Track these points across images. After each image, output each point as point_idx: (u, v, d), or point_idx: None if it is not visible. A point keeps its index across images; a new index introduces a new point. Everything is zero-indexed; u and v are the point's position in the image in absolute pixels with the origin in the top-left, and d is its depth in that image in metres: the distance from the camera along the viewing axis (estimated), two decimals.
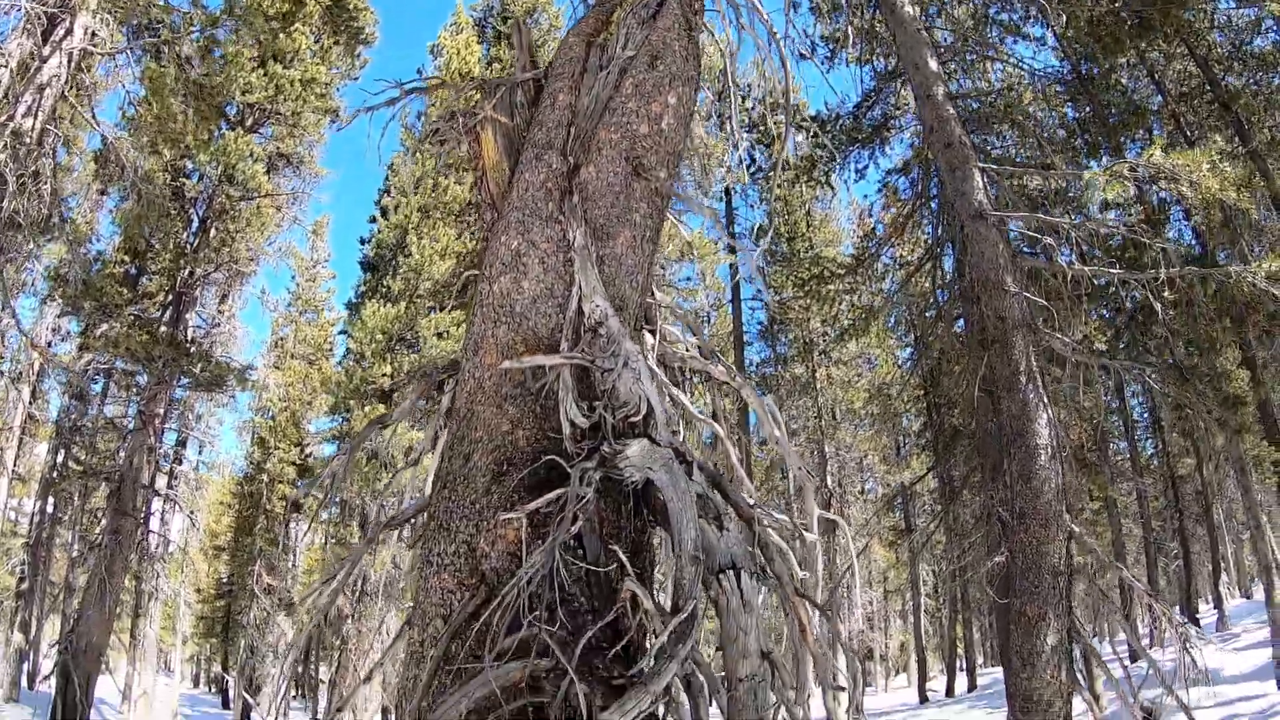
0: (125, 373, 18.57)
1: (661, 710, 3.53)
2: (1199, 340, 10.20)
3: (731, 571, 4.15)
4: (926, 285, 13.62)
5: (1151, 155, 8.57)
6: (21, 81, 11.24)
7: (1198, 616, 24.72)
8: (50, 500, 22.00)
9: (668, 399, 5.31)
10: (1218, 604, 24.50)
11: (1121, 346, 9.58)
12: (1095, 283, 9.66)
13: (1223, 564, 25.11)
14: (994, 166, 9.51)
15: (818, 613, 4.58)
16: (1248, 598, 28.03)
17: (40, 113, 11.31)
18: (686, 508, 4.26)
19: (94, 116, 11.96)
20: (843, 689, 4.58)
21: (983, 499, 14.25)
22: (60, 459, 21.35)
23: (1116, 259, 10.00)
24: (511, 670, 3.49)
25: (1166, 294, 8.69)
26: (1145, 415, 23.79)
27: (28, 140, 10.89)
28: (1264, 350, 11.76)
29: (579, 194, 4.99)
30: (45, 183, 10.74)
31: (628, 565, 3.88)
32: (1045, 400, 8.04)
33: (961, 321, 13.05)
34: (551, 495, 4.14)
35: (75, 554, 21.85)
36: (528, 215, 4.92)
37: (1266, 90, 11.74)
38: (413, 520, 5.68)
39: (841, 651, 4.87)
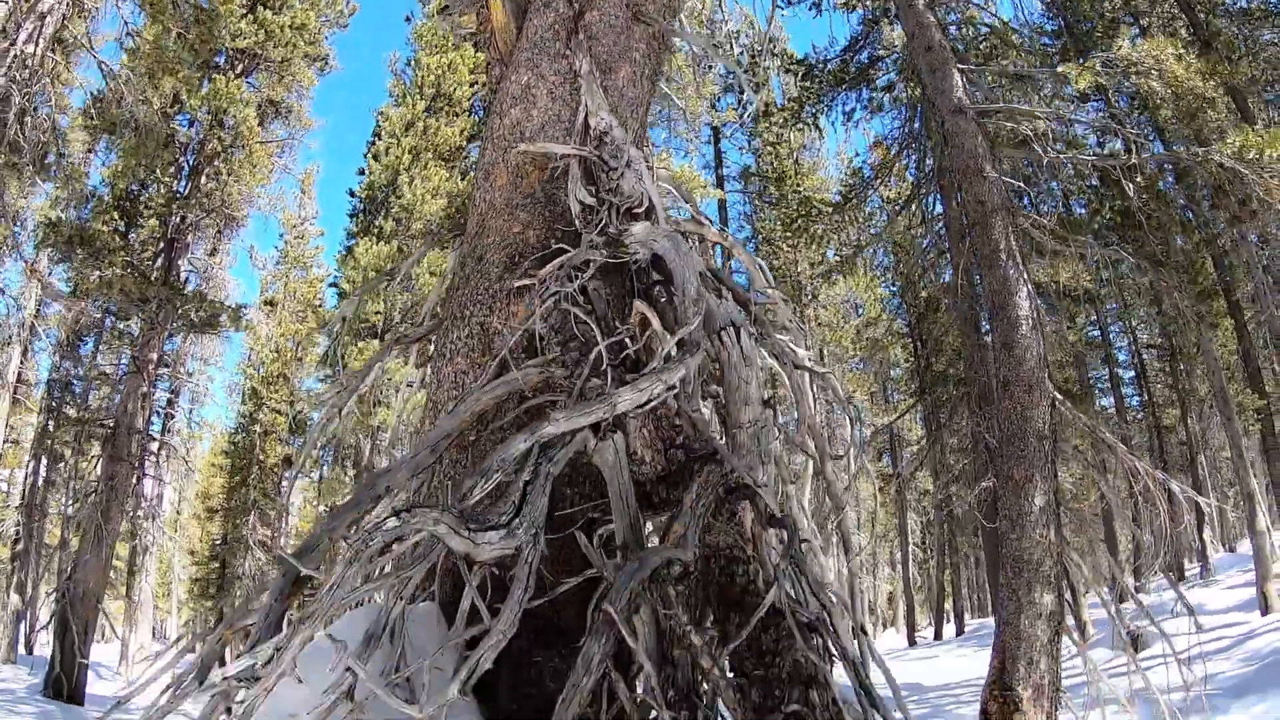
0: (117, 326, 18.66)
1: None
2: (1167, 224, 10.46)
3: (731, 328, 4.39)
4: (914, 223, 13.91)
5: (1120, 48, 8.86)
6: (23, 9, 11.37)
7: (1183, 569, 25.12)
8: (43, 462, 22.05)
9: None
10: (1201, 557, 24.86)
11: (1096, 230, 9.83)
12: (1068, 172, 9.94)
13: (1206, 518, 25.46)
14: (972, 66, 9.79)
15: (809, 376, 4.81)
16: (1231, 551, 28.43)
17: (41, 40, 11.45)
18: (689, 268, 4.50)
19: (90, 43, 12.10)
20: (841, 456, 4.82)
21: (969, 426, 14.54)
22: (52, 426, 21.41)
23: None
24: (530, 372, 3.71)
25: (1138, 179, 8.96)
26: (1129, 356, 24.18)
27: (30, 64, 11.02)
28: (1234, 232, 12.05)
29: (584, 33, 5.38)
30: (48, 104, 10.87)
31: (635, 285, 4.11)
32: (1025, 276, 8.30)
33: (949, 271, 13.35)
34: (562, 258, 4.38)
35: (69, 513, 21.89)
36: (537, 53, 5.30)
37: None
38: (427, 338, 5.89)
39: (838, 408, 5.10)
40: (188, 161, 16.55)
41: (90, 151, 19.32)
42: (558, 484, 3.27)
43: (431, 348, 5.81)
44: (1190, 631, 14.67)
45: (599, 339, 3.94)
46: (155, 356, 16.06)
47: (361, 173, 20.51)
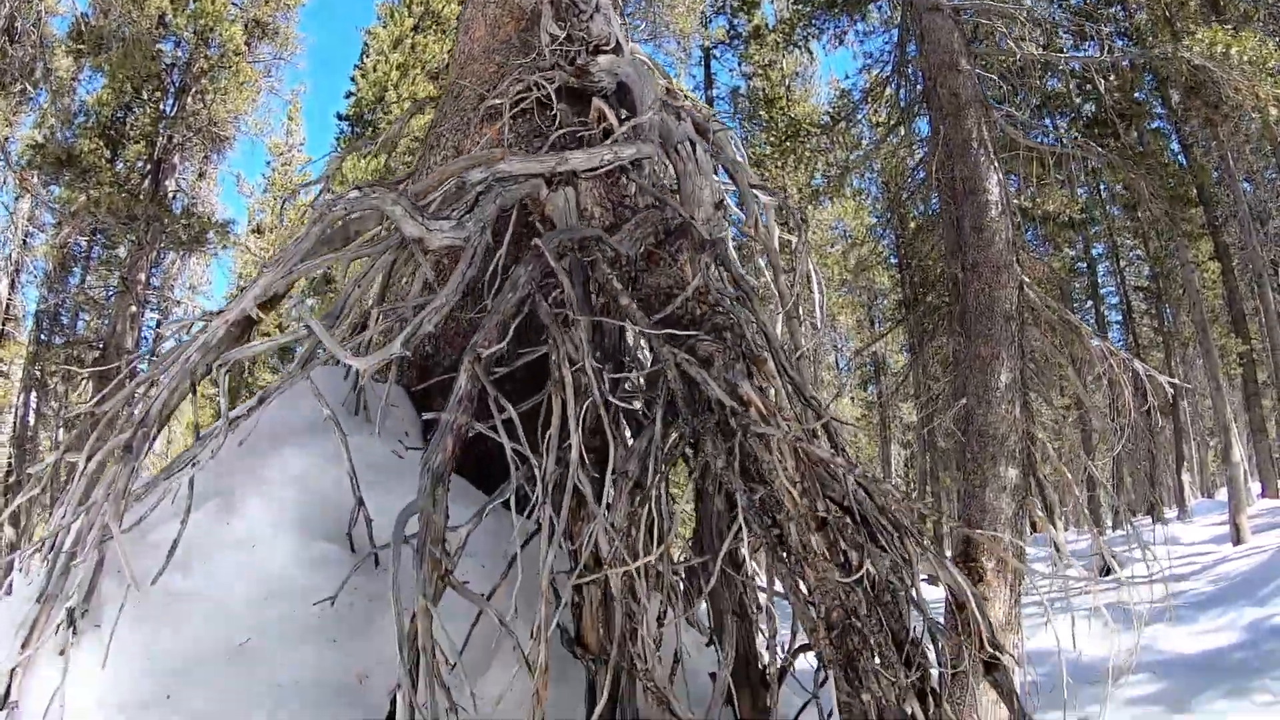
0: (104, 255, 18.68)
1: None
2: (1142, 127, 10.57)
3: (688, 142, 4.54)
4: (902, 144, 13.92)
5: None
6: None
7: (1164, 513, 25.46)
8: (34, 395, 22.15)
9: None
10: (1180, 501, 25.18)
11: (1068, 129, 9.94)
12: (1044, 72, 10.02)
13: (1185, 464, 25.76)
14: None
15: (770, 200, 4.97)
16: (1209, 497, 28.79)
17: None
18: (649, 89, 4.64)
19: None
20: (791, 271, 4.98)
21: (951, 344, 14.66)
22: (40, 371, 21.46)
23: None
24: (494, 152, 3.85)
25: (1112, 78, 9.05)
26: (1118, 300, 24.34)
27: None
28: (1209, 133, 12.15)
29: None
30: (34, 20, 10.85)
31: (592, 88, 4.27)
32: (995, 164, 8.41)
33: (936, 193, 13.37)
34: (531, 79, 4.53)
35: (60, 442, 21.98)
36: None
37: None
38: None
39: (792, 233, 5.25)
40: (174, 82, 16.52)
41: (75, 79, 19.26)
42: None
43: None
44: (1166, 558, 15.01)
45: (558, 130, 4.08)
46: (143, 277, 16.13)
47: (349, 95, 20.46)
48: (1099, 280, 23.92)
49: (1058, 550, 7.67)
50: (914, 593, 2.43)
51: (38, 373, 21.65)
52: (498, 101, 4.68)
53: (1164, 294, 23.86)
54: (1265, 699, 8.50)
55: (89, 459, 2.95)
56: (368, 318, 3.34)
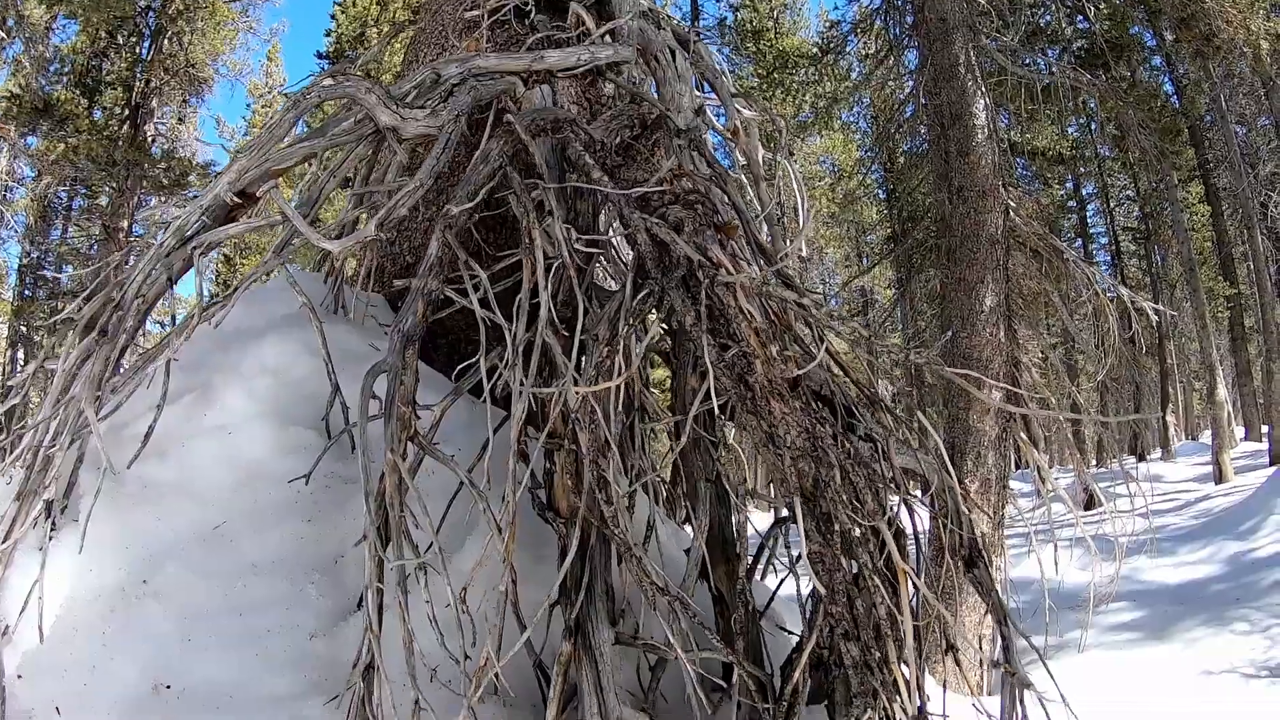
0: (85, 205, 18.46)
1: None
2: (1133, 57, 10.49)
3: (667, 49, 4.48)
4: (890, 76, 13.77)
5: None
6: None
7: (1148, 453, 25.72)
8: (20, 352, 21.98)
9: None
10: (1164, 443, 25.39)
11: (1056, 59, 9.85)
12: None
13: (1170, 405, 25.92)
14: None
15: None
16: (1193, 439, 29.07)
17: None
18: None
19: None
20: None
21: (938, 278, 14.66)
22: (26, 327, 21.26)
23: None
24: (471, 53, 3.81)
25: (1102, 6, 8.95)
26: (1104, 233, 24.35)
27: None
28: (1199, 66, 12.09)
29: None
30: None
31: None
32: (983, 89, 8.35)
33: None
34: None
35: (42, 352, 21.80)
36: None
37: None
38: None
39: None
40: (149, 25, 16.20)
41: (49, 28, 18.87)
42: None
43: None
44: (1149, 494, 15.12)
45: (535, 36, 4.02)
46: (126, 224, 15.96)
47: (329, 34, 20.10)
48: (1088, 220, 23.88)
49: (1041, 477, 7.73)
50: (888, 466, 2.45)
51: (23, 328, 21.49)
52: (475, 13, 4.62)
53: (1153, 235, 23.81)
54: (1243, 628, 8.63)
55: (67, 356, 2.92)
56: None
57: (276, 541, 2.54)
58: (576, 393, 2.01)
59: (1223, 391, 19.11)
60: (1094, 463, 24.21)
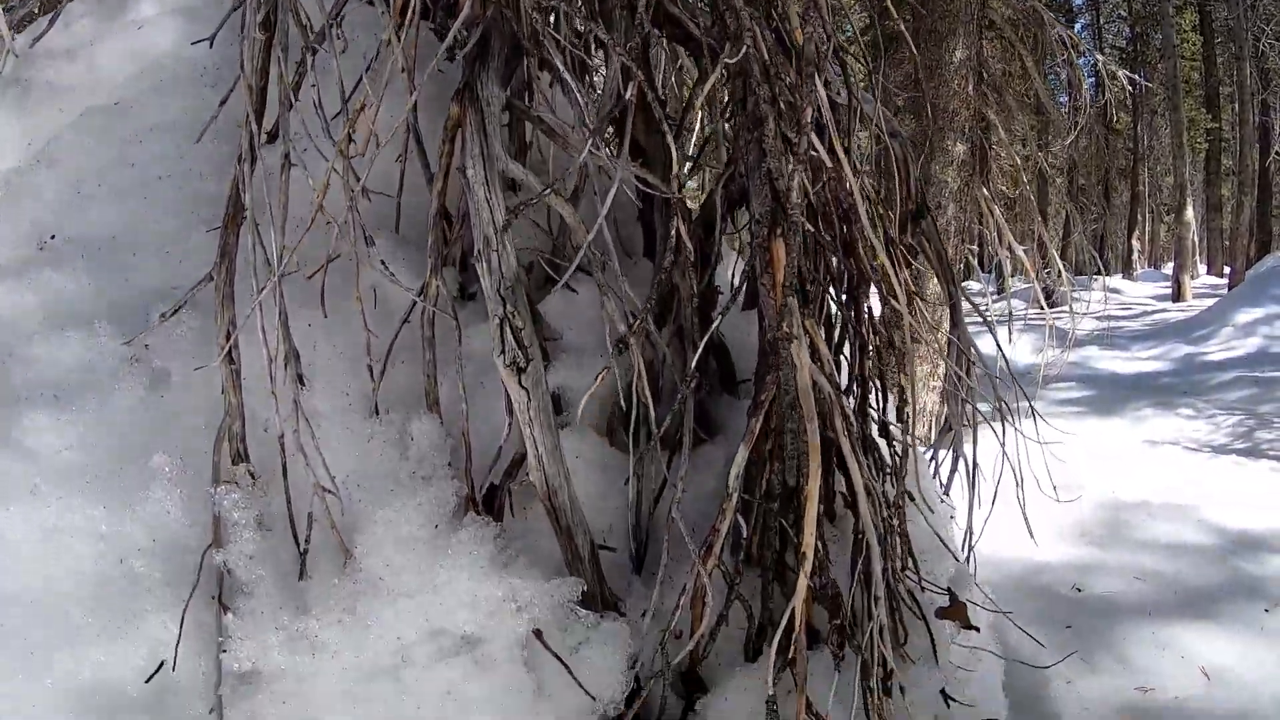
0: None
1: None
2: None
3: None
4: None
5: None
6: None
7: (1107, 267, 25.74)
8: None
9: None
10: (1126, 267, 25.40)
11: None
12: None
13: (1136, 231, 25.75)
14: None
15: None
16: (1156, 268, 29.19)
17: None
18: None
19: None
20: None
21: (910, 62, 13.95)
22: None
23: None
24: None
25: None
26: (1092, 48, 23.63)
27: None
28: None
29: None
30: None
31: None
32: None
33: None
34: None
35: None
36: None
37: None
38: None
39: None
40: None
41: None
42: None
43: None
44: (1104, 302, 15.11)
45: None
46: None
47: None
48: (1077, 33, 22.98)
49: (999, 237, 7.41)
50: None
51: None
52: None
53: (1140, 58, 23.04)
54: (1189, 413, 8.67)
55: None
56: None
57: (179, 106, 2.31)
58: None
59: (1190, 212, 18.85)
60: (1059, 244, 24.22)
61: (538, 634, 1.54)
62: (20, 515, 1.62)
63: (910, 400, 2.07)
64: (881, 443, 2.04)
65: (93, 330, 1.84)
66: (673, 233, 1.73)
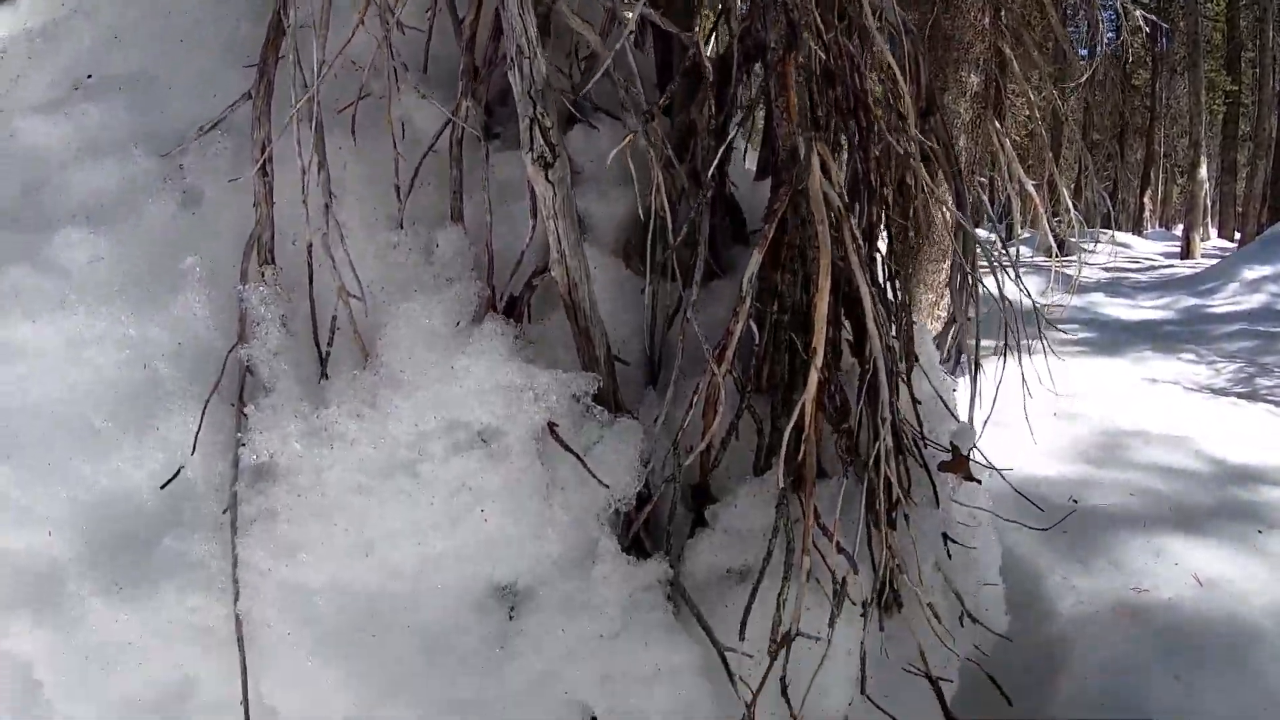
0: None
1: None
2: None
3: None
4: None
5: None
6: None
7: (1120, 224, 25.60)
8: None
9: None
10: (1137, 224, 25.24)
11: None
12: None
13: (1149, 189, 25.53)
14: None
15: None
16: (1167, 228, 28.98)
17: None
18: None
19: None
20: None
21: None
22: None
23: None
24: None
25: None
26: (1113, 17, 23.20)
27: None
28: None
29: None
30: None
31: None
32: None
33: None
34: None
35: None
36: None
37: None
38: None
39: None
40: None
41: None
42: None
43: None
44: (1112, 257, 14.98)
45: None
46: None
47: None
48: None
49: (1008, 172, 7.39)
50: None
51: None
52: None
53: (1163, 14, 22.66)
54: (1190, 358, 8.71)
55: None
56: None
57: None
58: None
59: (1204, 171, 18.65)
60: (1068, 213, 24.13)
61: (552, 428, 1.60)
62: (49, 327, 1.65)
63: (915, 248, 2.12)
64: (888, 287, 2.09)
65: (128, 155, 1.87)
66: (688, 63, 1.77)
